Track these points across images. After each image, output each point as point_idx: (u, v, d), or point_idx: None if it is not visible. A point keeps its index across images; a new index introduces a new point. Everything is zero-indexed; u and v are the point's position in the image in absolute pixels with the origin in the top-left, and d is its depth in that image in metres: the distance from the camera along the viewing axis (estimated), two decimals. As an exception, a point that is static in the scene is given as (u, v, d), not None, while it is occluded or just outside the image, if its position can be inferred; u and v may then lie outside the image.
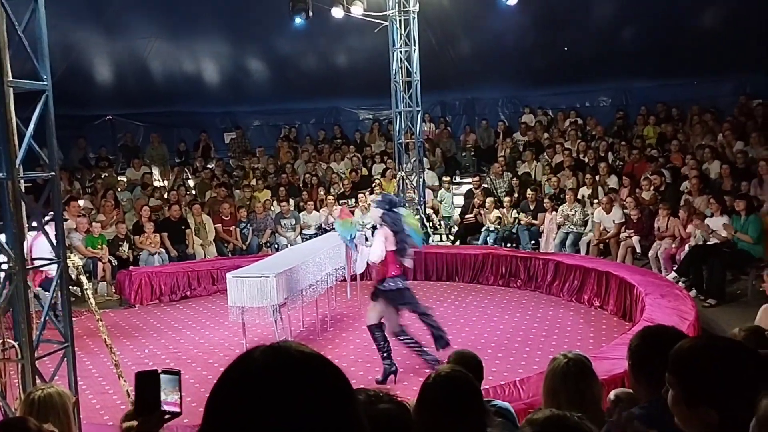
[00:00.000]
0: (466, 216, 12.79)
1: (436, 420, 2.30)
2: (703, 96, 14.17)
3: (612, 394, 3.37)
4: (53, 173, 4.91)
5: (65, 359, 5.03)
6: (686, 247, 9.50)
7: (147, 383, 2.30)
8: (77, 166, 15.41)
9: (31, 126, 4.68)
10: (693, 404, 1.85)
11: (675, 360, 1.91)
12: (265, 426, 0.97)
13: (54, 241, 4.95)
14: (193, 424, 5.09)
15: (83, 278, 6.54)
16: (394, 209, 6.83)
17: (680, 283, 8.98)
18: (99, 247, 10.95)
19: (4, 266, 4.73)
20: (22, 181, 4.66)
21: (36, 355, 4.66)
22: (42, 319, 4.80)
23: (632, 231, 10.55)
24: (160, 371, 2.34)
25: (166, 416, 2.31)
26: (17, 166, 4.55)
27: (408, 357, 7.53)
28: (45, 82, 4.83)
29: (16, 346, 4.66)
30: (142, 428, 2.32)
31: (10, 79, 4.53)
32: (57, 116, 4.97)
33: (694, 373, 1.87)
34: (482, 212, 12.45)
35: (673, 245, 9.86)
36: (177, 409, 2.31)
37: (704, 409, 1.82)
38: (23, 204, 4.66)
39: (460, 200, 13.74)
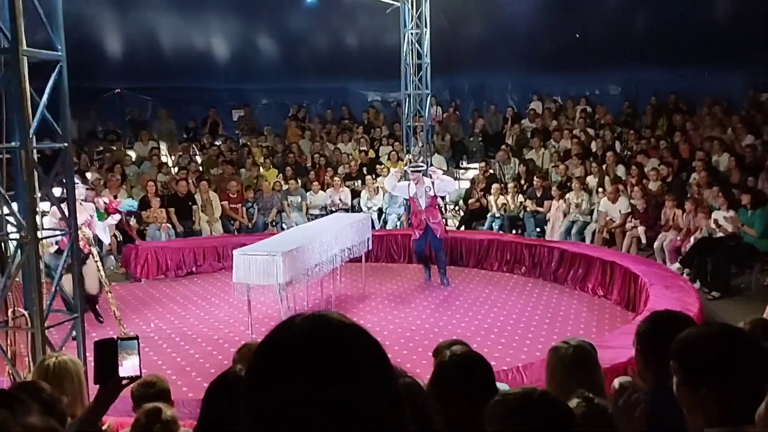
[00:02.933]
0: (470, 201, 12.80)
1: (451, 398, 2.33)
2: (714, 88, 14.08)
3: (616, 383, 3.39)
4: (66, 144, 4.94)
5: (74, 330, 5.08)
6: (692, 239, 9.50)
7: (104, 352, 2.36)
8: (85, 138, 15.42)
9: (45, 96, 4.70)
10: (693, 387, 1.89)
11: (677, 346, 1.95)
12: (307, 392, 0.98)
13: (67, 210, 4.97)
14: (198, 398, 5.15)
15: (94, 250, 6.58)
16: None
17: (684, 274, 9.00)
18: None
19: (15, 235, 4.77)
20: (34, 151, 4.69)
21: (45, 325, 4.71)
22: (53, 289, 4.85)
23: (638, 221, 10.55)
24: (117, 338, 2.41)
25: (124, 381, 2.37)
26: (30, 136, 4.57)
27: (411, 337, 7.59)
28: (59, 53, 4.84)
29: (27, 315, 4.71)
30: (100, 396, 2.38)
31: (25, 48, 4.54)
32: (69, 89, 4.98)
33: (695, 357, 1.92)
34: (486, 197, 12.46)
35: (679, 237, 9.86)
36: (136, 373, 2.38)
37: (704, 392, 1.86)
38: (36, 174, 4.69)
39: (467, 185, 13.73)
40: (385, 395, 1.03)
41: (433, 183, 9.56)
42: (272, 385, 1.01)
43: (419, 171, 9.73)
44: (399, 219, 12.39)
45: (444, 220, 13.39)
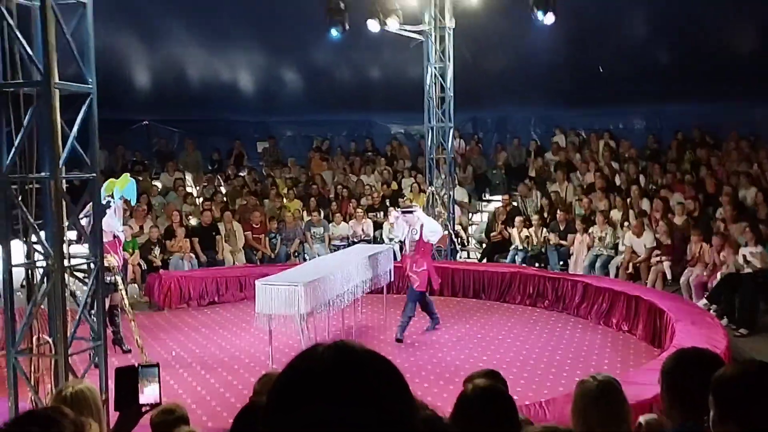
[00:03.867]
0: (492, 234, 12.76)
1: (475, 430, 2.31)
2: (739, 121, 13.98)
3: (642, 419, 3.34)
4: (94, 174, 5.02)
5: (96, 357, 5.11)
6: (718, 275, 9.35)
7: (125, 379, 2.37)
8: (114, 169, 15.65)
9: (75, 127, 4.79)
10: (724, 422, 1.89)
11: (715, 381, 1.96)
12: (328, 419, 0.98)
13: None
14: (218, 427, 5.14)
15: (119, 278, 6.64)
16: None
17: (711, 310, 8.85)
18: (130, 251, 11.08)
19: (42, 263, 4.84)
20: (63, 181, 4.77)
21: (69, 352, 4.75)
22: (77, 317, 4.89)
23: (663, 255, 10.43)
24: (138, 365, 2.42)
25: (144, 408, 2.38)
26: (60, 166, 4.66)
27: (432, 370, 7.53)
28: (90, 85, 4.95)
29: (51, 342, 4.76)
30: (121, 422, 2.38)
31: (57, 81, 4.65)
32: (98, 120, 5.08)
33: (728, 393, 1.94)
34: (507, 229, 12.42)
35: (705, 272, 9.72)
36: (156, 401, 2.38)
37: (733, 427, 1.86)
38: (64, 203, 4.77)
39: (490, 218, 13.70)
40: (406, 425, 1.02)
41: (421, 227, 8.86)
42: (293, 412, 1.01)
43: (409, 212, 9.07)
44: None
45: (467, 253, 13.44)
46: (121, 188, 7.59)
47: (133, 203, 7.89)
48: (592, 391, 2.99)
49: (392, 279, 9.95)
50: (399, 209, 9.70)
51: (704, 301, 9.22)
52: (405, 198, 13.53)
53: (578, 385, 3.07)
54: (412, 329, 9.16)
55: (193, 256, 11.84)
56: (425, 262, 8.80)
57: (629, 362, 7.79)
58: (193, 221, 12.75)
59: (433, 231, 9.03)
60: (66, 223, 4.85)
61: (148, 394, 2.38)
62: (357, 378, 1.01)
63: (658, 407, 4.06)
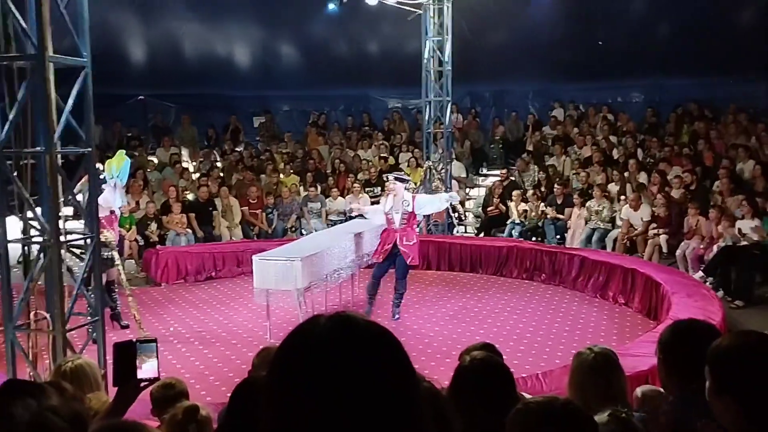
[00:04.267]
0: (489, 208, 12.76)
1: (470, 404, 2.32)
2: (738, 96, 13.94)
3: (638, 391, 3.36)
4: (90, 149, 4.99)
5: (94, 332, 5.13)
6: (715, 248, 9.38)
7: (123, 354, 2.38)
8: (110, 144, 15.59)
9: (70, 101, 4.76)
10: (719, 395, 1.90)
11: (711, 352, 1.96)
12: (328, 391, 0.98)
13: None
14: (216, 402, 5.16)
15: (115, 254, 6.64)
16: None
17: (707, 283, 8.88)
18: (127, 227, 11.06)
19: (38, 239, 4.83)
20: (59, 155, 4.74)
21: (66, 328, 4.76)
22: (74, 293, 4.89)
23: (661, 228, 10.45)
24: (136, 341, 2.42)
25: (143, 383, 2.39)
26: (55, 141, 4.63)
27: (429, 343, 7.57)
28: (85, 59, 4.90)
29: (48, 317, 4.76)
30: (119, 398, 2.39)
31: (51, 54, 4.60)
32: (93, 95, 5.04)
33: (724, 365, 1.93)
34: (506, 204, 12.41)
35: (702, 245, 9.75)
36: (154, 375, 2.39)
37: (728, 401, 1.87)
38: (59, 178, 4.74)
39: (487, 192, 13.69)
40: (408, 396, 1.02)
41: (413, 198, 8.53)
42: (294, 383, 1.00)
43: (402, 182, 8.64)
44: (418, 225, 12.36)
45: (464, 227, 13.45)
46: (117, 168, 7.54)
47: (122, 183, 7.79)
48: (588, 362, 3.01)
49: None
50: (391, 175, 9.01)
51: (700, 273, 9.25)
52: (403, 173, 13.47)
53: (575, 358, 3.09)
54: (406, 304, 9.19)
55: (190, 231, 11.83)
56: (414, 235, 8.57)
57: (626, 335, 7.83)
58: (190, 197, 12.72)
59: (430, 202, 8.92)
60: (62, 199, 4.83)
61: (147, 369, 2.39)
62: (358, 348, 1.01)
63: (655, 379, 4.08)
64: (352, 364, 1.00)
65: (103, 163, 12.50)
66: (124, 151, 8.22)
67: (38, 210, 4.84)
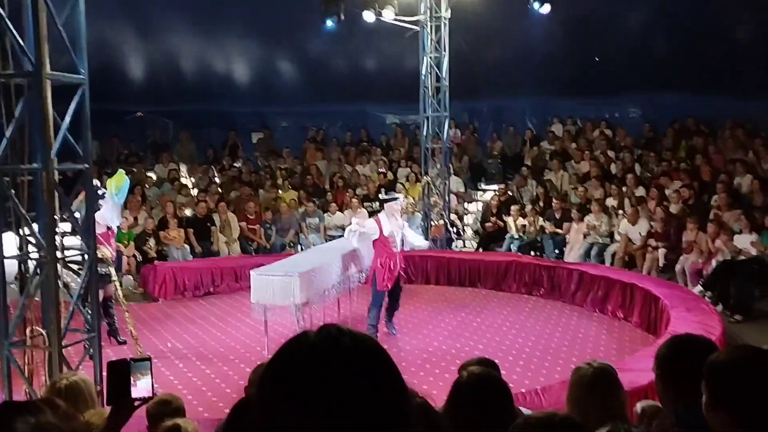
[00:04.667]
0: (487, 224, 12.77)
1: (469, 418, 2.30)
2: (735, 111, 13.98)
3: (638, 406, 3.34)
4: (87, 165, 4.99)
5: (90, 348, 5.10)
6: (713, 262, 9.37)
7: (117, 373, 2.36)
8: (108, 161, 15.61)
9: (68, 118, 4.77)
10: (715, 410, 1.89)
11: (708, 366, 1.96)
12: (317, 404, 0.98)
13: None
14: (213, 418, 5.13)
15: (112, 270, 6.62)
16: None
17: (706, 297, 8.87)
18: (125, 243, 11.04)
19: (35, 255, 4.82)
20: (56, 172, 4.74)
21: (63, 344, 4.74)
22: (70, 309, 4.88)
23: (659, 242, 10.44)
24: (130, 359, 2.41)
25: (137, 402, 2.37)
26: (52, 157, 4.63)
27: (427, 359, 7.53)
28: (82, 76, 4.92)
29: (44, 333, 4.74)
30: (113, 416, 2.37)
31: (49, 71, 4.62)
32: (90, 111, 5.05)
33: (720, 380, 1.93)
34: (504, 219, 12.42)
35: (701, 259, 9.74)
36: (148, 394, 2.37)
37: (724, 416, 1.87)
38: (56, 195, 4.74)
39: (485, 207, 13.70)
40: (397, 408, 1.02)
41: (402, 227, 8.44)
42: (284, 397, 1.00)
43: (393, 200, 8.43)
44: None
45: (463, 242, 13.45)
46: (117, 187, 7.55)
47: (120, 203, 7.78)
48: (587, 378, 3.00)
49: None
50: (384, 197, 8.76)
51: (699, 287, 9.24)
52: (399, 189, 13.48)
53: (574, 373, 3.08)
54: (405, 319, 9.17)
55: (188, 247, 11.81)
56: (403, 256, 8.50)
57: (625, 349, 7.81)
58: (188, 212, 12.71)
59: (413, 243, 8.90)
60: (58, 215, 4.82)
61: (141, 387, 2.38)
62: (346, 360, 1.01)
63: (654, 394, 4.07)
64: (340, 376, 0.99)
65: (101, 180, 12.55)
66: (124, 171, 8.22)
67: (35, 226, 4.83)
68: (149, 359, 2.43)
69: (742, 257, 9.08)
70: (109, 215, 7.48)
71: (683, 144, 13.47)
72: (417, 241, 9.14)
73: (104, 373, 2.47)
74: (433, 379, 6.84)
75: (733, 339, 7.33)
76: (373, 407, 0.99)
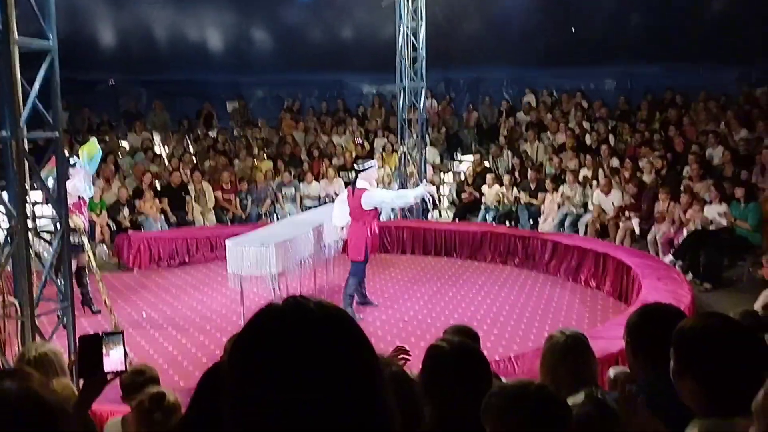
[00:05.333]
0: (463, 194, 12.81)
1: (446, 387, 2.33)
2: (708, 83, 14.10)
3: (611, 372, 3.40)
4: (57, 134, 4.91)
5: (64, 318, 5.07)
6: (685, 232, 9.52)
7: (89, 347, 2.36)
8: (79, 130, 15.36)
9: (36, 85, 4.68)
10: (682, 377, 1.92)
11: (675, 334, 1.98)
12: (285, 374, 0.98)
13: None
14: (190, 387, 5.15)
15: (85, 239, 6.56)
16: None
17: (677, 266, 9.02)
18: (98, 212, 10.92)
19: (5, 224, 4.76)
20: (25, 140, 4.66)
21: (36, 314, 4.70)
22: (43, 278, 4.83)
23: (632, 212, 10.56)
24: (102, 333, 2.41)
25: (109, 376, 2.37)
26: (21, 125, 4.55)
27: (403, 328, 7.60)
28: (51, 42, 4.81)
29: (16, 303, 4.70)
30: (86, 390, 2.37)
31: (17, 37, 4.51)
32: (60, 79, 4.96)
33: (686, 347, 1.96)
34: (480, 189, 12.48)
35: (672, 229, 9.88)
36: (121, 368, 2.38)
37: (690, 382, 1.90)
38: (26, 163, 4.67)
39: (462, 178, 13.74)
40: (366, 375, 1.02)
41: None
42: (252, 368, 1.01)
43: (372, 167, 8.13)
44: (393, 210, 12.37)
45: (439, 212, 13.51)
46: (89, 156, 7.42)
47: (91, 172, 7.68)
48: (560, 345, 3.04)
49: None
50: (362, 164, 8.21)
51: (670, 257, 9.39)
52: (377, 158, 13.46)
53: (547, 341, 3.12)
54: (381, 289, 9.23)
55: (163, 217, 11.71)
56: None
57: (597, 318, 7.94)
58: (162, 182, 12.59)
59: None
60: (29, 184, 4.75)
61: (113, 361, 2.37)
62: (313, 334, 1.01)
63: (625, 360, 4.15)
64: (308, 346, 1.00)
65: (73, 149, 12.35)
66: (96, 140, 8.09)
67: (5, 195, 4.76)
68: (122, 333, 2.43)
69: (713, 227, 9.23)
70: (81, 185, 7.37)
71: (657, 116, 13.57)
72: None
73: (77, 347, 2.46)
74: (409, 347, 6.88)
75: (702, 307, 7.48)
76: (343, 377, 0.99)
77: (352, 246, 7.96)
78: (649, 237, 10.12)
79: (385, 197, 8.17)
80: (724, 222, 9.17)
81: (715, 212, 9.29)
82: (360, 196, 7.77)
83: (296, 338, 1.00)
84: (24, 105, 4.58)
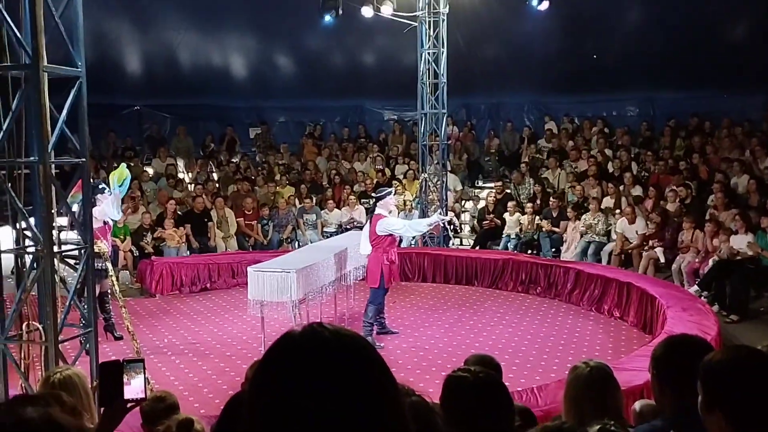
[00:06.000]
0: (484, 222, 12.76)
1: (468, 418, 2.30)
2: (732, 109, 14.00)
3: (637, 405, 3.34)
4: (83, 159, 4.97)
5: (87, 343, 5.09)
6: (710, 262, 9.39)
7: (110, 374, 2.36)
8: (104, 155, 15.56)
9: (65, 111, 4.74)
10: (710, 410, 1.89)
11: (703, 366, 1.96)
12: (304, 407, 0.98)
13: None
14: (209, 415, 5.12)
15: (109, 264, 6.61)
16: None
17: (702, 297, 8.88)
18: (121, 237, 11.02)
19: (31, 249, 4.80)
20: (52, 165, 4.72)
21: (59, 339, 4.72)
22: (67, 304, 4.86)
23: (656, 241, 10.45)
24: (123, 361, 2.40)
25: (129, 404, 2.36)
26: (49, 151, 4.61)
27: (424, 356, 7.54)
28: (79, 69, 4.89)
29: (41, 328, 4.72)
30: (105, 418, 2.37)
31: (46, 64, 4.59)
32: (87, 104, 5.03)
33: (715, 380, 1.93)
34: (501, 217, 12.42)
35: (697, 259, 9.75)
36: (141, 396, 2.37)
37: (718, 416, 1.87)
38: (53, 188, 4.72)
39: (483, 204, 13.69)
40: (387, 408, 1.02)
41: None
42: (272, 396, 1.02)
43: (389, 194, 8.23)
44: (413, 238, 12.36)
45: (459, 240, 13.46)
46: (118, 182, 7.53)
47: (121, 195, 7.81)
48: (584, 376, 2.99)
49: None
50: (381, 194, 8.18)
51: (696, 287, 9.26)
52: (398, 185, 13.47)
53: (570, 372, 3.08)
54: (401, 317, 9.17)
55: (185, 243, 11.79)
56: None
57: (621, 348, 7.82)
58: (185, 208, 12.69)
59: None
60: (55, 209, 4.80)
61: (134, 389, 2.37)
62: (331, 362, 1.02)
63: (650, 393, 4.07)
64: (326, 374, 1.01)
65: (98, 174, 12.51)
66: (125, 165, 8.21)
67: (32, 220, 4.81)
68: (143, 361, 2.43)
69: (739, 257, 9.10)
70: (108, 209, 7.47)
71: (680, 143, 13.48)
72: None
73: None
74: (429, 377, 6.83)
75: (729, 339, 7.34)
76: (362, 405, 1.00)
77: (369, 272, 8.05)
78: (674, 267, 9.99)
79: (397, 226, 8.18)
80: (750, 252, 9.03)
81: (741, 242, 9.16)
82: (376, 223, 7.89)
83: (313, 368, 1.01)
84: (52, 130, 4.65)
